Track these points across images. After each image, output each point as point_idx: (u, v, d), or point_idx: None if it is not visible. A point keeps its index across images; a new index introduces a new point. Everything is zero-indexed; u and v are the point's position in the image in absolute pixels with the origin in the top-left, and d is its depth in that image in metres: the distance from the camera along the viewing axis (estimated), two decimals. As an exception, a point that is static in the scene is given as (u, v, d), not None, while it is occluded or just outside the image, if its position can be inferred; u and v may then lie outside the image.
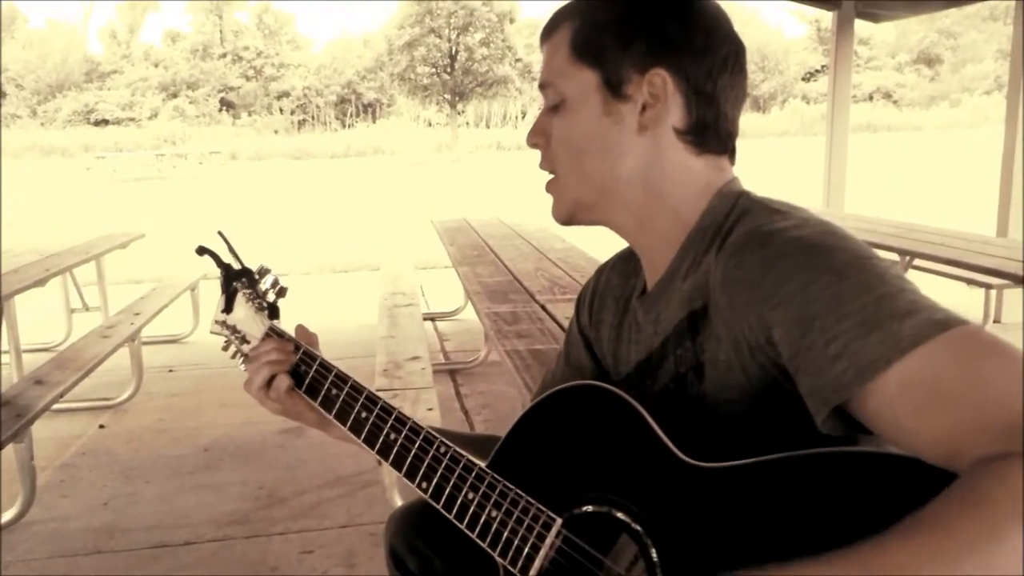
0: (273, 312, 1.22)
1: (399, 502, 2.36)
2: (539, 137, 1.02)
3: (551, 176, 1.03)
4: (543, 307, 2.81)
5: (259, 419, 3.68)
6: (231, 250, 1.23)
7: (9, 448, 2.53)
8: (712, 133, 0.95)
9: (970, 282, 4.37)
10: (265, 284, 1.23)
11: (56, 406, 2.97)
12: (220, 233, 1.24)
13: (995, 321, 4.94)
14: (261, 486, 3.08)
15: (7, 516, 2.76)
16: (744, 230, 0.88)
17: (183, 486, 3.12)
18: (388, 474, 2.42)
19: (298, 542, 2.66)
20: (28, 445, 2.67)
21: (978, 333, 0.72)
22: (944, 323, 0.72)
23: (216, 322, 1.26)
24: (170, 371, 4.67)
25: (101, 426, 3.79)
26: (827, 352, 0.75)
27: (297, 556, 2.57)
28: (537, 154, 1.03)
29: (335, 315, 5.77)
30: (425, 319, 4.18)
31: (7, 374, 4.09)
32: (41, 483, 3.01)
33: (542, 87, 1.01)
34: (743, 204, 0.93)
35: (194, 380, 4.48)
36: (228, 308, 1.24)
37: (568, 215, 1.03)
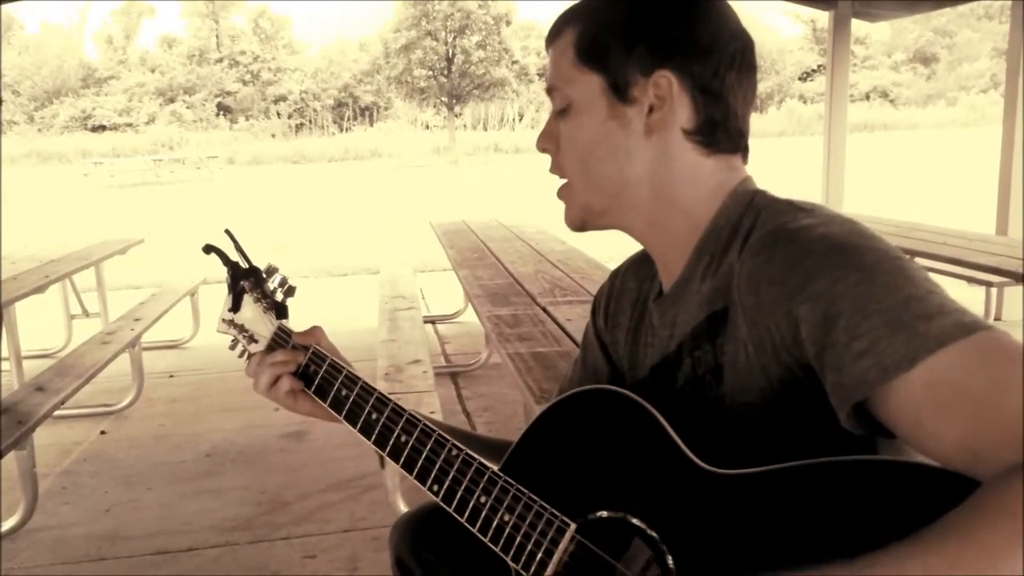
0: (281, 311, 1.21)
1: (402, 505, 2.35)
2: (548, 142, 1.01)
3: (563, 181, 1.02)
4: (544, 309, 2.80)
5: (260, 423, 3.69)
6: (238, 249, 1.22)
7: (10, 455, 2.52)
8: (722, 132, 0.94)
9: (971, 280, 4.38)
10: (273, 283, 1.22)
11: (57, 413, 2.96)
12: (227, 232, 1.22)
13: (996, 319, 4.95)
14: (263, 491, 3.08)
15: (9, 524, 2.75)
16: (769, 227, 0.87)
17: (185, 492, 3.11)
18: (391, 477, 2.41)
19: (301, 547, 2.65)
20: (29, 452, 2.66)
21: (1004, 339, 0.71)
22: (971, 326, 0.72)
23: (223, 321, 1.25)
24: (171, 376, 4.66)
25: (102, 432, 3.79)
26: (852, 349, 0.74)
27: (300, 561, 2.57)
28: (535, 156, 1.03)
29: (335, 319, 5.76)
30: (425, 322, 4.18)
31: (8, 381, 4.09)
32: (42, 490, 3.00)
33: (549, 91, 1.01)
34: (759, 203, 0.93)
35: (195, 385, 4.48)
36: (235, 307, 1.23)
37: (580, 221, 1.02)
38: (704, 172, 0.95)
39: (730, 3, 0.97)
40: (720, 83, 0.92)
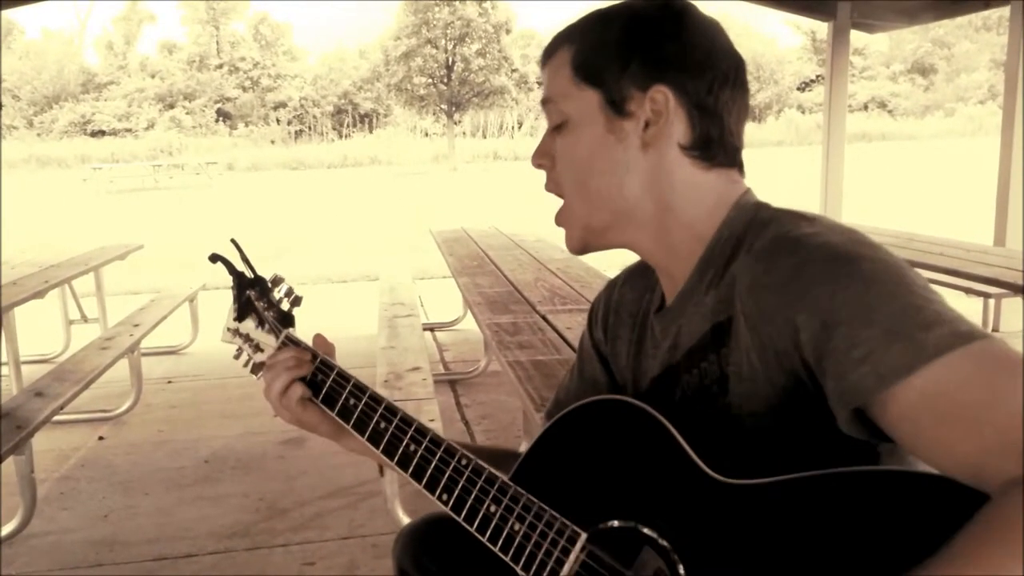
0: (287, 321, 1.21)
1: (401, 513, 2.36)
2: (544, 158, 1.02)
3: (560, 204, 1.03)
4: (544, 317, 2.80)
5: (259, 430, 3.68)
6: (244, 258, 1.22)
7: (9, 460, 2.52)
8: (718, 147, 0.95)
9: (968, 291, 4.38)
10: (279, 293, 1.22)
11: (55, 418, 2.96)
12: (233, 241, 1.23)
13: (994, 330, 4.96)
14: (261, 498, 3.08)
15: (7, 529, 2.75)
16: (771, 236, 0.88)
17: (183, 498, 3.11)
18: (390, 485, 2.42)
19: (299, 554, 2.65)
20: (28, 457, 2.66)
21: (1002, 348, 0.72)
22: (968, 335, 0.73)
23: (228, 330, 1.25)
24: (169, 382, 4.66)
25: (100, 438, 3.78)
26: (851, 356, 0.75)
27: (298, 568, 2.56)
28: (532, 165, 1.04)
29: (334, 326, 5.73)
30: (424, 329, 4.18)
31: (7, 386, 4.09)
32: (41, 496, 2.99)
33: (544, 103, 1.01)
34: (764, 214, 0.93)
35: (193, 391, 4.48)
36: (241, 317, 1.23)
37: (582, 243, 1.02)
38: (705, 185, 0.96)
39: (721, 16, 0.99)
40: (715, 100, 0.94)
